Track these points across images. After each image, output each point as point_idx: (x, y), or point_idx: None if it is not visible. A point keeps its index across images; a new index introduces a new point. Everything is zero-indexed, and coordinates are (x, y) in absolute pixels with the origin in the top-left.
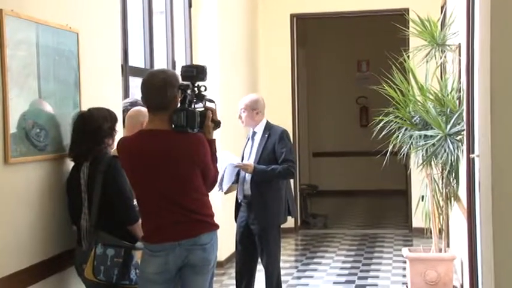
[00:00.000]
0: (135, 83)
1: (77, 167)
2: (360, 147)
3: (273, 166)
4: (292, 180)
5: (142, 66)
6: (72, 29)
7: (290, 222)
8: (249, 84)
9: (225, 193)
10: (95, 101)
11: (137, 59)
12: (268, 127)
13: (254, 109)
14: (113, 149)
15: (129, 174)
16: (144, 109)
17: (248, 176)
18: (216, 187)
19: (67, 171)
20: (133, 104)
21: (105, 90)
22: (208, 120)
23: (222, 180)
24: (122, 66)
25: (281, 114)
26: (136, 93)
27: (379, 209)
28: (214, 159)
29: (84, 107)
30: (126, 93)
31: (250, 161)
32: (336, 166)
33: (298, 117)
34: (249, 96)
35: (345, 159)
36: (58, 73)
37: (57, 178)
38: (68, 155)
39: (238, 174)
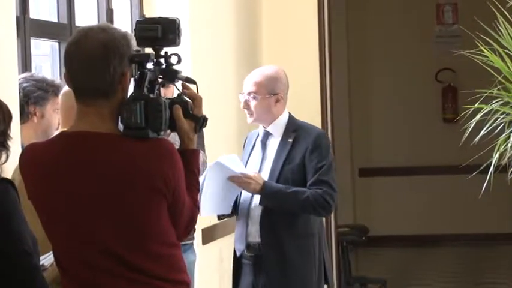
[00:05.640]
0: (43, 49)
1: None
2: (443, 158)
3: (297, 188)
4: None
5: (54, 19)
6: None
7: None
8: (242, 55)
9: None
10: None
11: (45, 9)
12: (294, 126)
13: (273, 93)
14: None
15: (41, 211)
16: None
17: (256, 208)
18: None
19: None
20: (29, 80)
21: None
22: (183, 120)
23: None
24: (17, 19)
25: (301, 108)
26: (44, 67)
27: (478, 267)
28: (194, 184)
29: None
30: (25, 66)
31: None
32: (400, 193)
33: (332, 112)
34: (263, 70)
35: (415, 181)
36: None
37: None
38: None
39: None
